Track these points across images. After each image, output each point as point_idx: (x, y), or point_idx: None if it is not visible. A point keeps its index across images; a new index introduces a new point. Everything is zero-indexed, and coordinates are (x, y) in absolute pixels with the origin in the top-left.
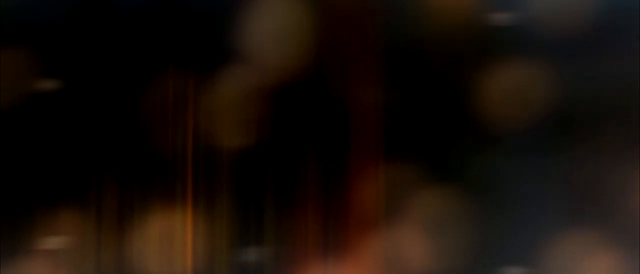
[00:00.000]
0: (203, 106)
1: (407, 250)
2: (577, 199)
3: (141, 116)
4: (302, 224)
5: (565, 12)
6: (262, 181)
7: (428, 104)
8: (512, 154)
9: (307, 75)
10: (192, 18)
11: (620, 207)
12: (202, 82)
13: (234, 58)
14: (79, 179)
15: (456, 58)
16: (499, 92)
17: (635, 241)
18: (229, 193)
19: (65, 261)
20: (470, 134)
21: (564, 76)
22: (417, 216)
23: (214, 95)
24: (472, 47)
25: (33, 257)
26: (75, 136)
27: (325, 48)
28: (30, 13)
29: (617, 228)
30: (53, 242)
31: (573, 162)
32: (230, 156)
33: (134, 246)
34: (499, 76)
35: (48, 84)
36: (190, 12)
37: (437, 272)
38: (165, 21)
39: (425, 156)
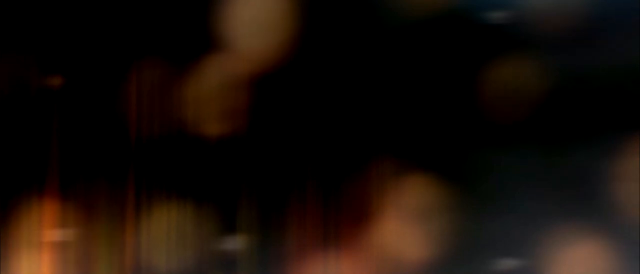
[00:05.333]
0: (185, 95)
1: (398, 241)
2: (571, 192)
3: (121, 105)
4: (287, 213)
5: (561, 9)
6: (244, 170)
7: (419, 98)
8: (507, 148)
9: (289, 63)
10: (173, 5)
11: (615, 200)
12: (183, 71)
13: (216, 46)
14: (62, 173)
15: (449, 53)
16: (495, 88)
17: (629, 233)
18: (213, 182)
19: (65, 254)
20: (465, 128)
21: (559, 72)
22: (409, 208)
23: (196, 84)
24: (467, 44)
25: (38, 249)
26: (62, 129)
27: (308, 36)
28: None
29: (611, 221)
30: (55, 235)
31: (568, 156)
32: (214, 145)
33: (122, 237)
34: (495, 73)
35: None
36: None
37: (430, 264)
38: (146, 9)
39: (418, 148)
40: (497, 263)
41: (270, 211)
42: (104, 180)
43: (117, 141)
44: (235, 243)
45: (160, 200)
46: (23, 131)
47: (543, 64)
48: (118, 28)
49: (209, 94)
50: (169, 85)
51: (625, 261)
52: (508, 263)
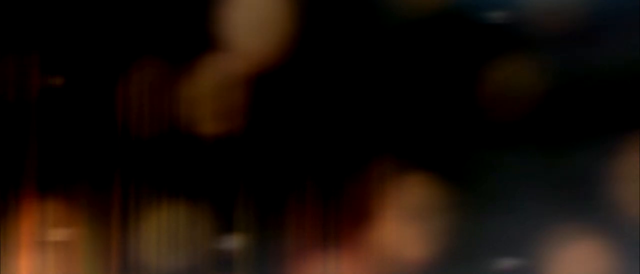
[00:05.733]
0: (183, 94)
1: (398, 241)
2: (571, 192)
3: (118, 104)
4: (286, 212)
5: (561, 9)
6: (243, 169)
7: (419, 97)
8: (507, 147)
9: (287, 62)
10: (170, 5)
11: (615, 199)
12: (181, 70)
13: (214, 45)
14: (59, 172)
15: (449, 52)
16: (495, 88)
17: (629, 233)
18: (211, 181)
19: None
20: (465, 127)
21: (558, 71)
22: (408, 207)
23: (194, 83)
24: (467, 44)
25: (34, 249)
26: (59, 129)
27: (306, 35)
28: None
29: (611, 221)
30: (51, 234)
31: (568, 156)
32: (212, 144)
33: (119, 237)
34: (494, 73)
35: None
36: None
37: (430, 263)
38: (143, 8)
39: (417, 148)
40: (497, 263)
41: (269, 210)
42: (101, 179)
43: (114, 140)
44: (234, 243)
45: (158, 199)
46: (19, 130)
47: (543, 63)
48: (115, 27)
49: (207, 93)
50: (166, 84)
51: (625, 261)
52: (508, 262)
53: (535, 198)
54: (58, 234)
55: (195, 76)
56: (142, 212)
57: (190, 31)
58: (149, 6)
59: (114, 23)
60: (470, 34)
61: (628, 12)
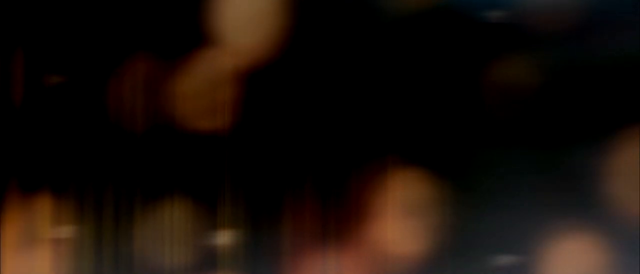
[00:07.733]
0: (178, 91)
1: (396, 238)
2: (569, 189)
3: (113, 101)
4: (283, 209)
5: (559, 7)
6: (238, 165)
7: (417, 95)
8: (505, 145)
9: (284, 58)
10: (164, 0)
11: (613, 196)
12: (176, 66)
13: (207, 41)
14: (57, 170)
15: (447, 51)
16: (494, 86)
17: (626, 229)
18: (207, 178)
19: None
20: (463, 125)
21: (557, 69)
22: (406, 204)
23: (189, 79)
24: (466, 43)
25: (35, 247)
26: (57, 127)
27: (304, 31)
28: None
29: (608, 217)
30: (52, 232)
31: (566, 153)
32: (210, 141)
33: (120, 233)
34: (493, 71)
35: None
36: None
37: (428, 260)
38: (136, 4)
39: (415, 145)
40: (496, 260)
41: (265, 207)
42: (99, 177)
43: (110, 138)
44: (230, 239)
45: (154, 196)
46: (21, 128)
47: (541, 61)
48: (108, 24)
49: (201, 90)
50: (159, 81)
51: (622, 257)
52: (506, 259)
53: (534, 195)
54: (56, 232)
55: (188, 72)
56: (139, 208)
57: (182, 27)
58: (141, 3)
59: (105, 19)
60: (469, 32)
61: (626, 10)
